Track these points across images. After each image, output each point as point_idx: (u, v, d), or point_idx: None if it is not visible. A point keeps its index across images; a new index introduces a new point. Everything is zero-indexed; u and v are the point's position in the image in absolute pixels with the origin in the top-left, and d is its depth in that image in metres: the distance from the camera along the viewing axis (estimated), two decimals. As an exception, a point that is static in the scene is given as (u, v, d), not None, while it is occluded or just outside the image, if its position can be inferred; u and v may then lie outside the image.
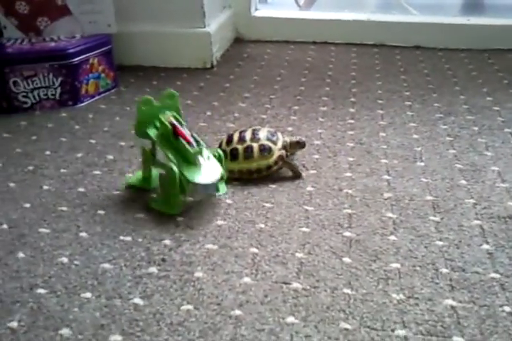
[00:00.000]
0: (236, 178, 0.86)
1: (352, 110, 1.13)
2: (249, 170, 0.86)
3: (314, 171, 0.89)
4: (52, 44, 1.14)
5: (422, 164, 0.91)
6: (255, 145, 0.86)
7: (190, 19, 1.35)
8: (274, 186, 0.85)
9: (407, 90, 1.23)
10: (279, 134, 0.90)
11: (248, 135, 0.88)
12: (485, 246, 0.70)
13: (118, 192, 0.84)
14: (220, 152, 0.83)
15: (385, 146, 0.97)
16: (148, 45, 1.38)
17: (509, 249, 0.70)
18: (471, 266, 0.67)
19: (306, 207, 0.79)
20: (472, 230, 0.74)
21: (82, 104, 1.17)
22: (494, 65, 1.39)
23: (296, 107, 1.15)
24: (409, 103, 1.16)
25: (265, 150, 0.86)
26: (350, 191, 0.83)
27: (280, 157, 0.87)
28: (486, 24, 1.51)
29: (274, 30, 1.61)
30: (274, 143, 0.87)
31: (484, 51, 1.47)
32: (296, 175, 0.87)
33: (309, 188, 0.84)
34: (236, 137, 0.88)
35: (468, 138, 1.00)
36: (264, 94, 1.22)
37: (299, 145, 0.91)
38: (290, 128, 1.05)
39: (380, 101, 1.17)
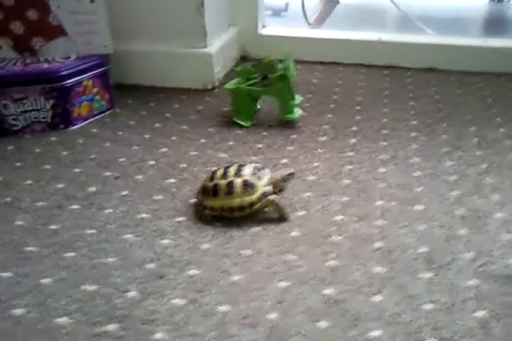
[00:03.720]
0: (218, 217, 0.82)
1: (353, 141, 1.06)
2: (230, 207, 0.80)
3: (303, 212, 0.84)
4: (46, 65, 1.11)
5: (421, 208, 0.84)
6: (238, 180, 0.80)
7: (190, 39, 1.30)
8: (257, 229, 0.80)
9: (414, 119, 1.16)
10: (267, 170, 0.84)
11: (232, 170, 0.82)
12: (479, 313, 0.63)
13: (92, 231, 0.80)
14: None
15: (383, 185, 0.90)
16: (147, 65, 1.34)
17: (505, 318, 0.62)
18: (460, 338, 0.60)
19: (288, 257, 0.73)
20: (467, 292, 0.67)
21: (74, 127, 1.14)
22: (511, 90, 1.31)
23: (294, 136, 1.09)
24: (416, 134, 1.09)
25: (248, 186, 0.80)
26: (338, 238, 0.77)
27: (264, 194, 0.81)
28: (505, 46, 1.43)
29: (280, 49, 1.56)
30: (259, 178, 0.82)
31: (502, 75, 1.38)
32: (282, 218, 0.81)
33: (295, 233, 0.79)
34: (219, 173, 0.83)
35: (474, 178, 0.92)
36: (262, 120, 1.16)
37: (291, 176, 0.86)
38: (285, 160, 0.99)
39: (384, 131, 1.10)
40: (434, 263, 0.72)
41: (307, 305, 0.65)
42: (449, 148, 1.03)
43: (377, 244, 0.76)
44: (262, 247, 0.75)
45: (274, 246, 0.75)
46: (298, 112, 1.14)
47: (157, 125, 1.15)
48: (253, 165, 0.85)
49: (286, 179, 0.86)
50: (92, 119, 1.17)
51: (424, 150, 1.02)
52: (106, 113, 1.21)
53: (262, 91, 1.12)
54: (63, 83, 1.09)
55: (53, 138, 1.09)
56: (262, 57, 1.64)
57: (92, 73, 1.14)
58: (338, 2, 1.94)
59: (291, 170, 0.87)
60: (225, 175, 0.82)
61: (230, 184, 0.80)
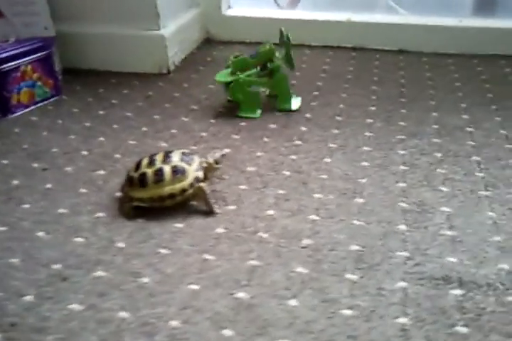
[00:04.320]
0: (142, 210, 0.75)
1: (303, 129, 1.00)
2: (160, 196, 0.74)
3: (234, 207, 0.78)
4: (-20, 50, 1.06)
5: (361, 201, 0.78)
6: (167, 167, 0.75)
7: (143, 20, 1.23)
8: (180, 226, 0.74)
9: (373, 104, 1.08)
10: (195, 155, 0.79)
11: (159, 158, 0.77)
12: (401, 320, 0.57)
13: (3, 228, 0.74)
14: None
15: (325, 176, 0.84)
16: (101, 48, 1.27)
17: (429, 325, 0.56)
18: (375, 348, 0.55)
19: (206, 256, 0.67)
20: (392, 295, 0.61)
21: (13, 115, 1.08)
22: (482, 73, 1.22)
23: (243, 123, 1.03)
24: (371, 121, 1.02)
25: (178, 172, 0.75)
26: (264, 235, 0.71)
27: (196, 179, 0.76)
28: (480, 26, 1.34)
29: (247, 31, 1.47)
30: (189, 163, 0.77)
31: (474, 57, 1.31)
32: (209, 211, 0.76)
33: (220, 230, 0.73)
34: (145, 161, 0.77)
35: (425, 168, 0.86)
36: (212, 107, 1.10)
37: (223, 157, 0.83)
38: (227, 150, 0.92)
39: (338, 118, 1.03)
40: (363, 262, 0.66)
41: (215, 310, 0.59)
42: (405, 136, 0.96)
43: (306, 242, 0.70)
44: (181, 246, 0.70)
45: (194, 245, 0.70)
46: (297, 103, 1.08)
47: (101, 112, 1.09)
48: (180, 151, 0.80)
49: (219, 161, 0.82)
50: (33, 107, 1.11)
51: (377, 139, 0.95)
52: (51, 100, 1.14)
53: (263, 82, 1.04)
54: (-2, 68, 1.04)
55: (-12, 127, 1.04)
56: (227, 39, 1.58)
57: (31, 57, 1.07)
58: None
59: (223, 152, 0.84)
60: (151, 163, 0.76)
61: (159, 171, 0.75)
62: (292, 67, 1.06)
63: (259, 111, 1.05)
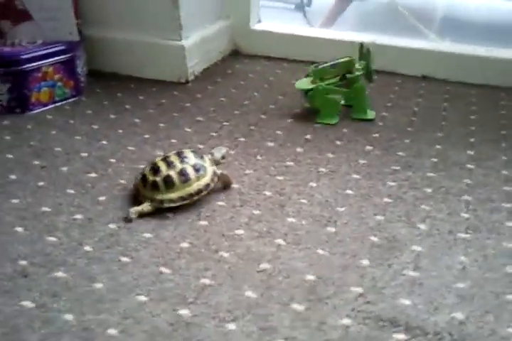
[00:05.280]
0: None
1: (299, 150, 1.00)
2: (190, 194, 0.81)
3: (205, 222, 0.78)
4: (7, 49, 1.12)
5: (333, 230, 0.77)
6: (188, 166, 0.82)
7: (165, 30, 1.27)
8: (149, 236, 0.75)
9: (378, 131, 1.07)
10: (203, 154, 0.87)
11: (175, 159, 0.83)
12: (332, 358, 0.57)
13: (-12, 221, 0.79)
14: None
15: (304, 201, 0.84)
16: (126, 53, 1.32)
17: (359, 368, 0.56)
18: (296, 384, 0.54)
19: (163, 269, 0.68)
20: (332, 331, 0.59)
21: (32, 113, 1.14)
22: (504, 107, 1.18)
23: (242, 139, 1.04)
24: (370, 148, 1.00)
25: (200, 170, 0.83)
26: (226, 255, 0.72)
27: (214, 173, 0.85)
28: (509, 57, 1.30)
29: (273, 46, 1.49)
30: (204, 160, 0.85)
31: (500, 89, 1.26)
32: (227, 186, 0.87)
33: (184, 244, 0.74)
34: (163, 164, 0.82)
35: (409, 203, 0.83)
36: (218, 120, 1.12)
37: (227, 153, 0.92)
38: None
39: (337, 143, 1.02)
40: (313, 294, 0.65)
41: (154, 324, 0.60)
42: (399, 167, 0.94)
43: (264, 266, 0.69)
44: (142, 256, 0.71)
45: (155, 257, 0.71)
46: (372, 113, 1.13)
47: (112, 116, 1.13)
48: (189, 150, 0.87)
49: (224, 156, 0.90)
50: (52, 106, 1.17)
51: (370, 167, 0.94)
52: (70, 100, 1.20)
53: (341, 91, 1.09)
54: (20, 67, 1.09)
55: (5, 122, 1.09)
56: (253, 53, 1.60)
57: (53, 59, 1.13)
58: (351, 0, 1.83)
59: (226, 149, 0.92)
60: (170, 165, 0.82)
61: (183, 172, 0.82)
62: (371, 80, 1.12)
63: (336, 118, 1.10)
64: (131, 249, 0.73)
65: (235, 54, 1.50)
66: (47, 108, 1.16)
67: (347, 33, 1.45)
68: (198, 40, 1.32)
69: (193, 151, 0.86)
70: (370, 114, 1.12)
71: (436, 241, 0.75)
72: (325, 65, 1.10)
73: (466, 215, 0.81)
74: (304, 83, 1.11)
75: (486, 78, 1.31)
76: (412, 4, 2.19)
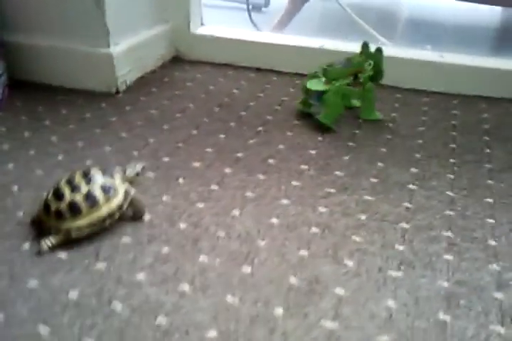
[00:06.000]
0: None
1: (227, 171, 0.90)
2: (99, 219, 0.72)
3: (103, 264, 0.68)
4: None
5: (248, 270, 0.67)
6: (95, 188, 0.72)
7: (91, 37, 1.16)
8: (33, 283, 0.66)
9: (316, 147, 0.97)
10: (113, 170, 0.77)
11: (79, 180, 0.72)
12: None
13: None
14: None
15: (222, 234, 0.74)
16: (53, 62, 1.20)
17: None
18: None
19: (36, 329, 0.59)
20: None
21: None
22: (456, 117, 1.10)
23: (166, 159, 0.94)
24: (305, 167, 0.90)
25: (109, 190, 0.73)
26: (119, 306, 0.61)
27: (126, 192, 0.75)
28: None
29: (216, 51, 1.38)
30: (113, 178, 0.75)
31: (453, 96, 1.18)
32: (139, 214, 0.77)
33: (72, 294, 0.63)
34: (66, 187, 0.72)
35: (339, 233, 0.74)
36: (143, 136, 1.01)
37: (144, 170, 0.83)
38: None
39: (270, 161, 0.92)
40: (212, 355, 0.56)
41: None
42: (334, 190, 0.85)
43: (161, 319, 0.60)
44: (21, 310, 0.61)
45: (35, 312, 0.61)
46: (378, 113, 1.10)
47: (27, 134, 1.02)
48: (95, 168, 0.76)
49: (139, 173, 0.82)
50: (-38, 123, 1.07)
51: (302, 190, 0.85)
52: (-16, 116, 1.10)
53: (356, 91, 1.06)
54: None
55: None
56: (197, 59, 1.50)
57: (-41, 72, 1.03)
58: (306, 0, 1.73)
59: (142, 164, 0.83)
60: (75, 189, 0.72)
61: (90, 195, 0.71)
62: (379, 80, 1.07)
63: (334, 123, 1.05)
64: (10, 302, 0.63)
65: (176, 60, 1.40)
66: (-44, 126, 1.06)
67: (295, 37, 1.36)
68: (130, 47, 1.22)
69: (101, 169, 0.76)
70: (378, 115, 1.10)
71: (363, 282, 0.66)
72: (337, 64, 1.05)
73: (400, 247, 0.72)
74: (316, 83, 1.06)
75: (437, 85, 1.24)
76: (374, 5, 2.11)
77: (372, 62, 1.04)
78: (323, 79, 1.05)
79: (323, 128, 1.04)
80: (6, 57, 1.16)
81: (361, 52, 1.07)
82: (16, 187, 0.85)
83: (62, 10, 1.15)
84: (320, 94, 1.04)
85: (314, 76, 1.07)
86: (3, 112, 1.10)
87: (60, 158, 0.94)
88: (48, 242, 0.70)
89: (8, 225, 0.76)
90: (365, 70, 1.04)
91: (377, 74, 1.06)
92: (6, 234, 0.74)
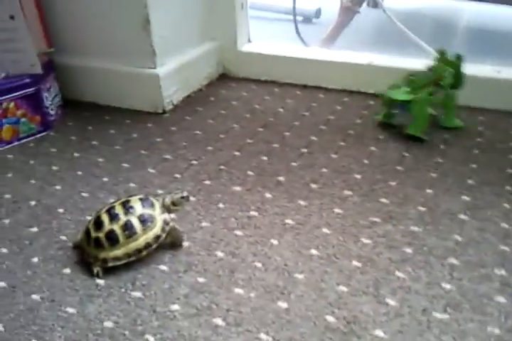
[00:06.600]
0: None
1: (268, 196, 0.88)
2: (137, 249, 0.72)
3: (139, 294, 0.67)
4: (-34, 85, 1.07)
5: (284, 306, 0.64)
6: (133, 218, 0.72)
7: (138, 58, 1.18)
8: (71, 311, 0.67)
9: (361, 171, 0.94)
10: (153, 199, 0.76)
11: (119, 210, 0.73)
12: None
13: None
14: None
15: (259, 264, 0.71)
16: (102, 82, 1.23)
17: None
18: None
19: None
20: None
21: (-6, 151, 1.08)
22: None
23: (207, 182, 0.94)
24: (349, 193, 0.87)
25: (147, 221, 0.73)
26: (151, 339, 0.62)
27: (165, 222, 0.75)
28: None
29: (262, 68, 1.37)
30: (152, 209, 0.75)
31: None
32: (178, 243, 0.77)
33: (108, 323, 0.63)
34: (106, 217, 0.73)
35: (382, 268, 0.70)
36: (187, 158, 1.01)
37: (184, 199, 0.78)
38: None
39: (312, 186, 0.90)
40: None
41: None
42: (379, 219, 0.81)
43: (192, 356, 0.59)
44: (56, 339, 0.62)
45: (71, 340, 0.62)
46: (459, 121, 1.10)
47: (75, 154, 1.05)
48: (136, 197, 0.76)
49: (179, 202, 0.78)
50: (16, 143, 1.10)
51: (345, 218, 0.81)
52: (37, 136, 1.13)
53: (439, 99, 1.05)
54: (-24, 105, 1.04)
55: (-38, 163, 1.04)
56: (244, 76, 1.49)
57: (14, 94, 1.07)
58: (357, 11, 1.69)
59: (184, 193, 0.78)
60: (114, 218, 0.73)
61: (127, 225, 0.72)
62: (461, 86, 1.06)
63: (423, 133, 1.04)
64: (47, 329, 0.64)
65: (223, 78, 1.40)
66: (10, 145, 1.09)
67: (343, 52, 1.33)
68: (176, 67, 1.23)
69: (141, 199, 0.76)
70: (459, 122, 1.09)
71: (405, 325, 0.62)
72: (420, 74, 1.04)
73: (447, 286, 0.67)
74: (400, 94, 1.05)
75: (494, 102, 1.16)
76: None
77: (452, 70, 1.02)
78: (406, 88, 1.05)
79: (370, 151, 1.00)
80: (60, 79, 1.22)
81: (438, 60, 1.05)
82: (61, 210, 0.87)
83: (110, 32, 1.18)
84: (404, 105, 1.04)
85: (395, 86, 1.07)
86: (54, 132, 1.14)
87: (105, 179, 0.96)
88: (96, 270, 0.72)
89: (52, 249, 0.78)
90: (445, 78, 1.03)
91: (457, 81, 1.04)
92: (49, 257, 0.76)
